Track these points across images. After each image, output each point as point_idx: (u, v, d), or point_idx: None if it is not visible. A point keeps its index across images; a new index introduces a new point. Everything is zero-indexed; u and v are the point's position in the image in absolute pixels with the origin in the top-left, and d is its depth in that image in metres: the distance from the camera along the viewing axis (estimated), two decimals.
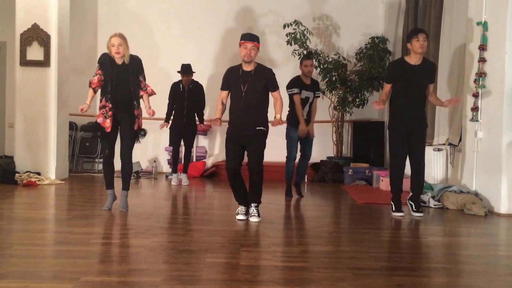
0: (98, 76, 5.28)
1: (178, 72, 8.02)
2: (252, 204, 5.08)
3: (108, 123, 5.25)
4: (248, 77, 4.99)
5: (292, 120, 6.57)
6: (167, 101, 8.14)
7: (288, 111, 6.62)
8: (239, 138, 5.01)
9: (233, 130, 5.05)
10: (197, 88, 8.04)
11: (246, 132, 4.99)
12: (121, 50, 5.22)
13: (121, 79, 5.28)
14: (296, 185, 6.87)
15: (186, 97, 7.93)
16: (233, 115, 5.07)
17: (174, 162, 8.20)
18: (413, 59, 5.42)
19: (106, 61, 5.29)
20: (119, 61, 5.29)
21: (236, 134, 5.02)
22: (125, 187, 5.54)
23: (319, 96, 6.87)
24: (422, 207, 5.68)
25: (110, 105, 5.26)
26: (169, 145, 8.31)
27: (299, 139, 6.61)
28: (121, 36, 5.25)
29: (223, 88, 5.12)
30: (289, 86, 6.55)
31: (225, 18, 10.16)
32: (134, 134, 5.39)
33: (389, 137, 5.65)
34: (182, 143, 8.19)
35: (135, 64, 5.35)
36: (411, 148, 5.48)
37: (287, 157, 6.67)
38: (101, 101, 5.30)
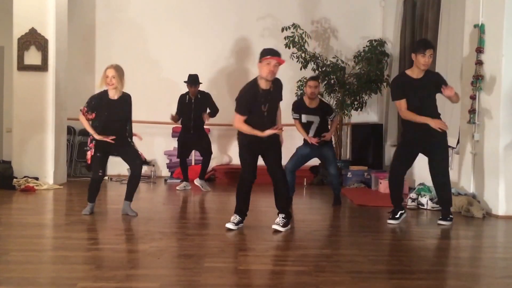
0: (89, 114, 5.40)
1: (185, 82, 7.94)
2: (280, 215, 4.89)
3: (88, 155, 5.44)
4: (268, 96, 4.73)
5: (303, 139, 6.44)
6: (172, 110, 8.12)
7: None
8: (258, 146, 4.80)
9: (251, 139, 4.78)
10: (205, 98, 7.91)
11: (268, 138, 4.75)
12: (115, 82, 5.28)
13: (112, 114, 5.38)
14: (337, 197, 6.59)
15: (193, 109, 7.85)
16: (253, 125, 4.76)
17: (184, 173, 8.07)
18: (415, 73, 5.18)
19: (98, 99, 5.42)
20: (112, 95, 5.38)
21: (256, 142, 4.78)
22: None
23: (333, 119, 6.51)
24: (449, 216, 5.29)
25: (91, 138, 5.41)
26: (177, 157, 8.10)
27: (307, 157, 6.46)
28: (116, 68, 5.32)
29: (244, 114, 4.72)
30: (292, 109, 6.38)
31: (223, 22, 10.15)
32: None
33: (395, 151, 5.47)
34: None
35: (128, 102, 5.49)
36: (431, 162, 5.24)
37: (285, 167, 6.30)
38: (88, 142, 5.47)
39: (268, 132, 4.65)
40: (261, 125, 4.72)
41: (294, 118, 6.38)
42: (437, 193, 5.42)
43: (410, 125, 5.23)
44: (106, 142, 5.34)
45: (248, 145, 4.82)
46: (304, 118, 6.32)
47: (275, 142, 4.88)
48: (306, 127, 6.33)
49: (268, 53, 4.62)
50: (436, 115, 5.25)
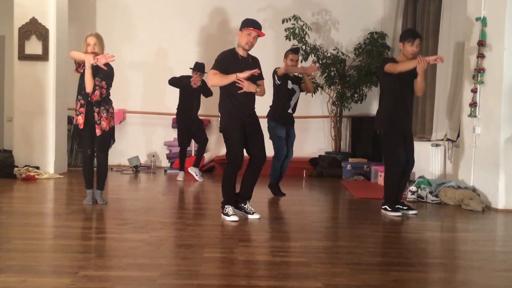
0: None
1: (191, 68, 7.97)
2: (247, 201, 5.00)
3: (80, 120, 5.29)
4: (249, 65, 4.80)
5: (276, 117, 6.36)
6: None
7: (271, 106, 6.46)
8: (244, 123, 4.80)
9: (239, 114, 4.78)
10: (204, 86, 7.98)
11: (250, 117, 4.85)
12: (97, 50, 5.27)
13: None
14: (277, 185, 6.55)
15: (196, 96, 7.93)
16: (240, 100, 4.77)
17: (182, 161, 8.13)
18: (401, 61, 5.24)
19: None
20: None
21: (242, 119, 4.79)
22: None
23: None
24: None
25: (82, 101, 5.29)
26: (179, 145, 8.16)
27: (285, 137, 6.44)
28: (97, 36, 5.33)
29: (219, 70, 4.72)
30: (276, 77, 6.33)
31: (223, 13, 10.14)
32: (107, 134, 5.42)
33: (387, 141, 5.31)
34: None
35: (108, 70, 5.34)
36: (407, 150, 5.33)
37: (276, 157, 6.34)
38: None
39: (244, 74, 4.65)
40: (245, 95, 4.78)
41: (277, 84, 6.37)
42: (406, 180, 5.53)
43: (397, 109, 5.27)
44: (89, 115, 5.29)
45: (237, 121, 4.78)
46: (290, 84, 6.40)
47: (258, 125, 4.92)
48: (291, 93, 6.39)
49: (251, 24, 4.75)
50: (411, 106, 5.45)
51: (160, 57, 10.08)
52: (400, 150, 5.24)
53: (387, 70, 5.20)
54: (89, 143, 5.45)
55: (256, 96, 4.95)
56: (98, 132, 5.33)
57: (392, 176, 5.32)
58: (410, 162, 5.36)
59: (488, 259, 3.66)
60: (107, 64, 5.25)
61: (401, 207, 5.39)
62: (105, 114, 5.36)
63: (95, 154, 5.52)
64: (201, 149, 8.14)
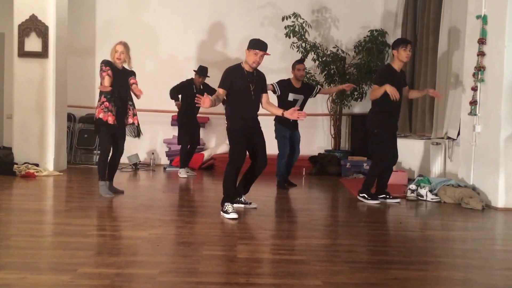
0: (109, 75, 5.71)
1: (194, 71, 8.12)
2: (243, 195, 5.36)
3: (110, 119, 5.70)
4: (254, 78, 5.09)
5: (281, 120, 6.67)
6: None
7: None
8: (250, 130, 5.08)
9: (245, 123, 5.05)
10: (207, 90, 8.06)
11: (255, 125, 5.16)
12: (122, 57, 5.81)
13: (122, 82, 5.86)
14: (286, 179, 7.12)
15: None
16: (244, 110, 5.07)
17: (182, 159, 8.29)
18: (397, 66, 5.84)
19: (110, 64, 5.79)
20: (119, 66, 5.85)
21: (248, 126, 5.07)
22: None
23: (318, 91, 7.11)
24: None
25: (112, 103, 5.77)
26: (179, 143, 8.31)
27: (289, 137, 6.86)
28: (125, 45, 5.86)
29: (223, 87, 5.03)
30: (279, 86, 6.82)
31: (223, 10, 10.12)
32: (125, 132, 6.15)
33: (380, 140, 5.86)
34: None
35: (131, 73, 6.03)
36: (394, 147, 5.98)
37: (280, 155, 6.84)
38: (101, 99, 5.76)
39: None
40: (250, 103, 5.09)
41: (278, 95, 6.84)
42: (391, 172, 6.12)
43: (390, 110, 5.80)
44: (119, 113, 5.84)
45: (241, 129, 5.04)
46: (291, 96, 6.79)
47: (261, 132, 5.20)
48: (291, 105, 6.53)
49: (257, 46, 4.98)
50: (400, 104, 6.02)
51: (159, 54, 10.06)
52: (388, 147, 5.86)
53: (374, 87, 5.84)
54: (110, 135, 5.82)
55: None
56: (130, 120, 6.04)
57: (377, 170, 5.95)
58: (396, 156, 6.03)
59: (488, 258, 3.66)
60: (129, 72, 6.00)
61: (387, 196, 6.03)
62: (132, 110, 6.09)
63: (118, 149, 6.03)
64: (193, 150, 8.44)
